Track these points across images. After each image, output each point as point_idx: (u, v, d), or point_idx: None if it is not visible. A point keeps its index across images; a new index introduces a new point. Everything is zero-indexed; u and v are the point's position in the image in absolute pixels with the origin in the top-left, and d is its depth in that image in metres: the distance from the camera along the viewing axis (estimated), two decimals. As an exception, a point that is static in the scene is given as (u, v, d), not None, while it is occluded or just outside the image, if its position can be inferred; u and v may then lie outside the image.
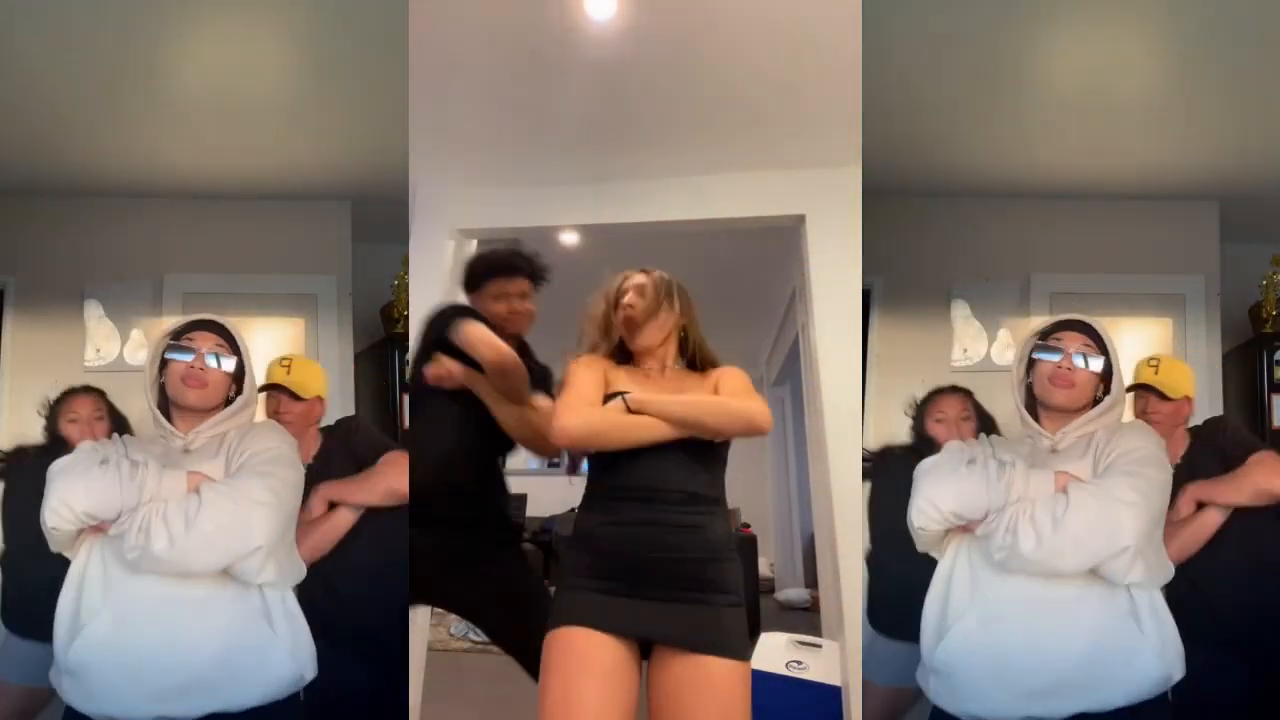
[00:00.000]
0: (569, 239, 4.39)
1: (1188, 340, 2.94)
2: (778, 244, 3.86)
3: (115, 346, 2.94)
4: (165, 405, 1.83)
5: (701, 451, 1.61)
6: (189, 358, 1.81)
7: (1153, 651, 1.56)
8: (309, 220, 3.10)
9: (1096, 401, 1.80)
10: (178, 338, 1.86)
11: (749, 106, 2.94)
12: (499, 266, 2.28)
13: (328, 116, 2.56)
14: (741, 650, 1.48)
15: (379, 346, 3.40)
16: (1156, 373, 2.25)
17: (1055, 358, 1.80)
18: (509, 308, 2.25)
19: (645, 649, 1.51)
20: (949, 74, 2.30)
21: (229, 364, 1.84)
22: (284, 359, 2.31)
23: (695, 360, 1.88)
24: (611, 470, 1.59)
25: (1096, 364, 1.80)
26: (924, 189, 3.01)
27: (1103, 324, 1.86)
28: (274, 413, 2.23)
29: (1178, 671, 1.60)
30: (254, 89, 2.38)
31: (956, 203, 3.06)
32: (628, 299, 1.84)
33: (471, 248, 3.74)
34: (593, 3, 2.41)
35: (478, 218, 3.61)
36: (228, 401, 1.84)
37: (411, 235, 3.39)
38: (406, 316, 3.26)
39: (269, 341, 3.00)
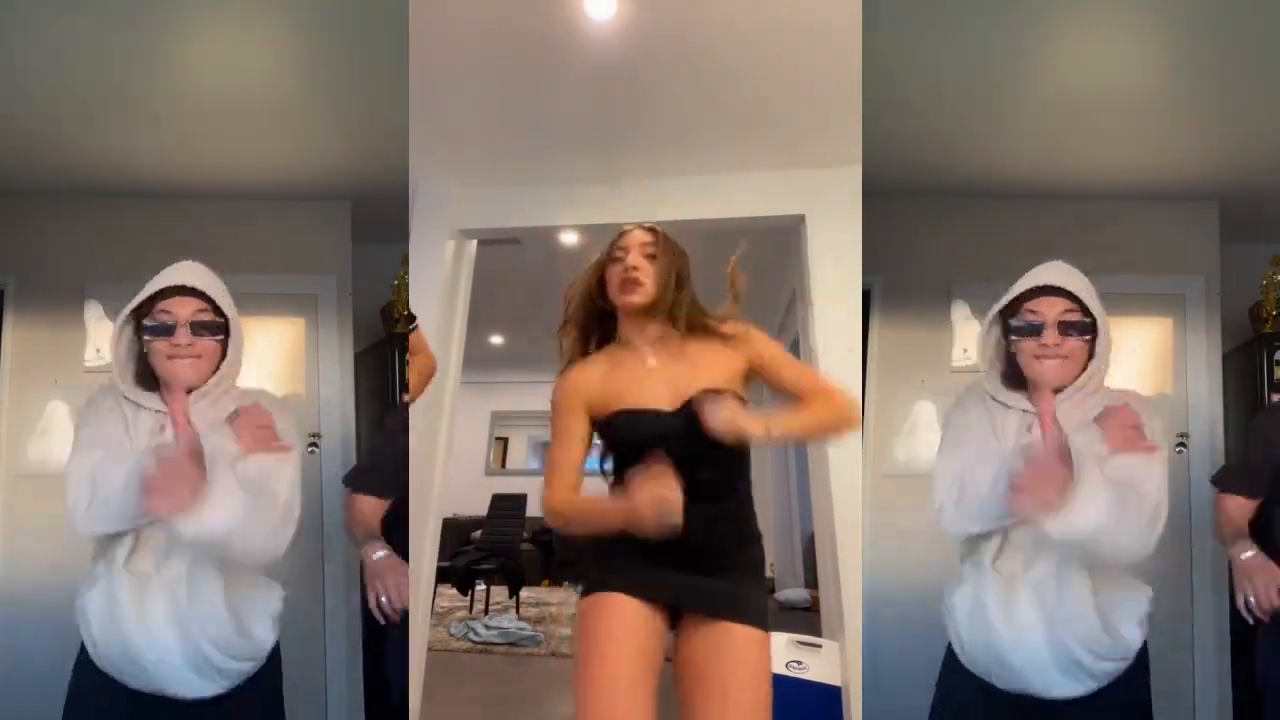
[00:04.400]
0: (569, 239, 4.39)
1: (1188, 340, 2.94)
2: (778, 244, 3.86)
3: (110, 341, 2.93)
4: (142, 375, 1.68)
5: (722, 446, 1.57)
6: (170, 335, 1.65)
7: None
8: (309, 220, 3.10)
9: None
10: (148, 309, 1.67)
11: (749, 106, 2.94)
12: None
13: (328, 116, 2.56)
14: (762, 621, 1.56)
15: (379, 346, 3.40)
16: None
17: (1037, 335, 1.65)
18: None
19: (672, 623, 1.59)
20: (949, 74, 2.30)
21: (217, 330, 1.68)
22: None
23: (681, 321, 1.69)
24: (637, 465, 1.58)
25: (1085, 330, 1.65)
26: (924, 189, 3.01)
27: (1084, 279, 1.69)
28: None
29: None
30: (254, 89, 2.38)
31: (956, 203, 3.06)
32: (631, 260, 1.67)
33: (471, 248, 3.74)
34: (593, 3, 2.41)
35: (478, 218, 3.61)
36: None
37: (411, 235, 3.39)
38: (406, 316, 3.26)
39: (269, 341, 3.00)
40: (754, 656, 1.51)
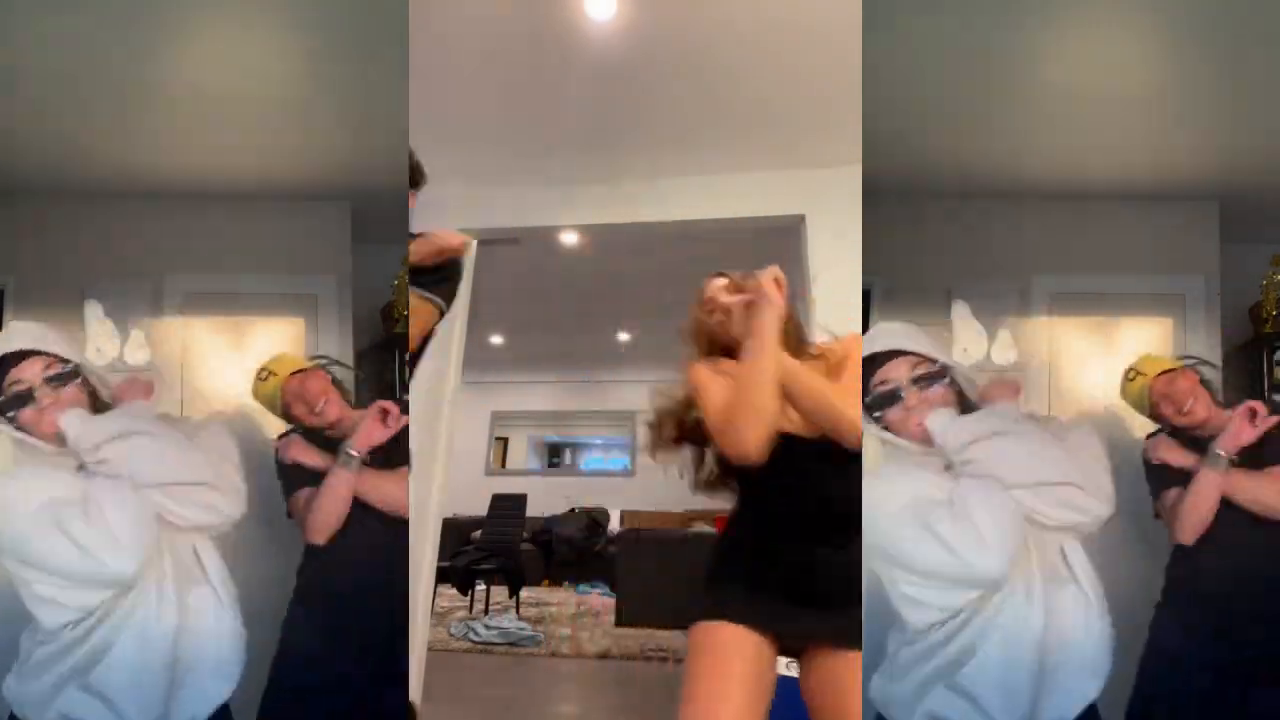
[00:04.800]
0: (569, 239, 4.39)
1: (1188, 340, 2.94)
2: (778, 244, 3.86)
3: (115, 346, 2.93)
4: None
5: (842, 468, 1.60)
6: (32, 403, 1.78)
7: None
8: (309, 220, 3.10)
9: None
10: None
11: (749, 106, 2.94)
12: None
13: (328, 116, 2.56)
14: (859, 644, 1.59)
15: (379, 346, 3.40)
16: (1133, 381, 2.19)
17: (898, 402, 1.70)
18: None
19: (783, 648, 1.60)
20: (949, 74, 2.30)
21: (71, 374, 1.83)
22: (261, 371, 2.16)
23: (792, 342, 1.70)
24: (762, 486, 1.62)
25: (940, 378, 1.70)
26: (924, 189, 3.01)
27: (915, 331, 1.74)
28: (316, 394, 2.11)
29: None
30: (254, 89, 2.38)
31: (956, 203, 3.06)
32: (722, 302, 1.68)
33: (472, 248, 3.74)
34: (593, 3, 2.41)
35: (478, 218, 3.61)
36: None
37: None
38: (406, 316, 3.26)
39: (269, 342, 3.00)
40: (858, 680, 1.55)
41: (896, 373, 1.71)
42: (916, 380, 1.69)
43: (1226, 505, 1.97)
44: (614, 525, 8.52)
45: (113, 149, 2.69)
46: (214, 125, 2.54)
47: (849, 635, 1.57)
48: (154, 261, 2.99)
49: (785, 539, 1.60)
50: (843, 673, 1.54)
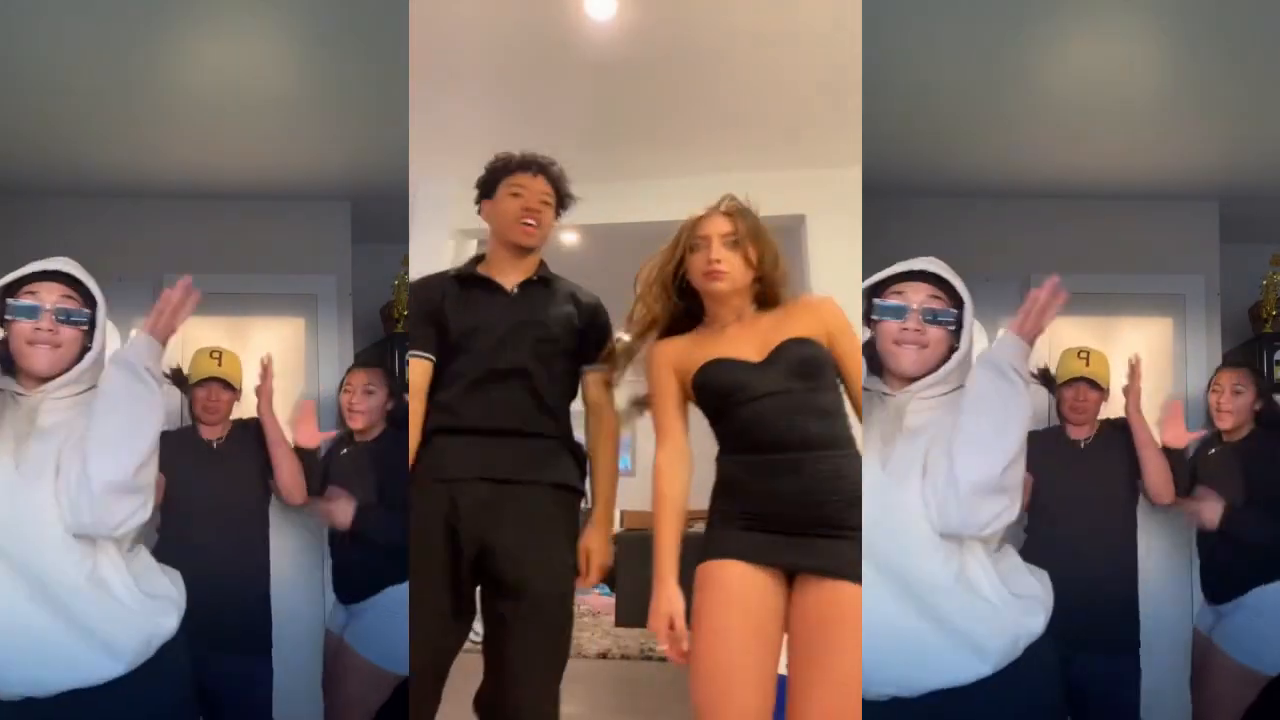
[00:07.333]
0: (569, 239, 4.39)
1: (1188, 340, 2.94)
2: (778, 244, 3.85)
3: (115, 346, 2.93)
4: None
5: (816, 398, 1.63)
6: (35, 317, 1.63)
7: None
8: (309, 220, 3.10)
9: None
10: (15, 290, 1.66)
11: (749, 106, 2.94)
12: (519, 164, 2.15)
13: (328, 116, 2.56)
14: (859, 576, 1.59)
15: (379, 346, 3.39)
16: (1088, 364, 2.40)
17: (899, 318, 1.65)
18: (523, 204, 2.05)
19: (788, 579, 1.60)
20: (950, 74, 2.30)
21: (81, 319, 1.68)
22: (213, 351, 2.58)
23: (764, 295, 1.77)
24: (734, 421, 1.63)
25: (949, 319, 1.63)
26: (924, 189, 3.01)
27: (950, 270, 1.68)
28: (205, 404, 2.53)
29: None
30: (254, 89, 2.38)
31: (956, 203, 3.06)
32: (714, 254, 1.70)
33: (471, 248, 3.74)
34: (593, 3, 2.42)
35: (478, 218, 3.61)
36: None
37: (411, 235, 3.39)
38: (406, 316, 3.26)
39: (269, 341, 3.00)
40: (857, 613, 1.54)
41: (913, 293, 1.68)
42: (925, 310, 1.65)
43: None
44: (614, 525, 8.50)
45: (113, 149, 2.69)
46: (214, 125, 2.54)
47: (837, 563, 1.55)
48: (154, 261, 2.99)
49: (766, 469, 1.59)
50: (828, 601, 1.53)
